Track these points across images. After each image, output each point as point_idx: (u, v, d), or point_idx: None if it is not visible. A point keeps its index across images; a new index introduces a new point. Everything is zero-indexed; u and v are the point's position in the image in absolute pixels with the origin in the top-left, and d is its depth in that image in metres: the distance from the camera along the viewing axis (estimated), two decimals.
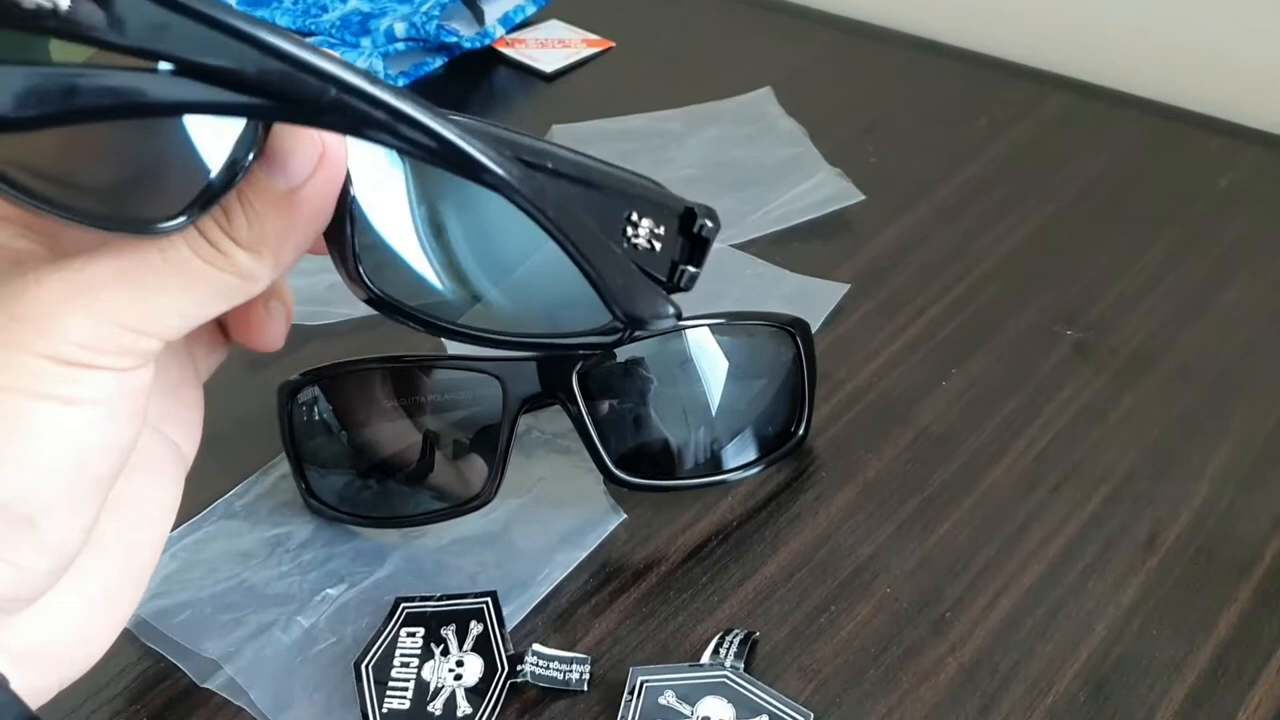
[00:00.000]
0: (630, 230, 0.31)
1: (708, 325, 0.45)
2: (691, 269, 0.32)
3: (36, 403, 0.27)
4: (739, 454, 0.46)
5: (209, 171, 0.26)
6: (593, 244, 0.30)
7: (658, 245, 0.32)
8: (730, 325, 0.46)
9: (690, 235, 0.32)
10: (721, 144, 0.65)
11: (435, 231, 0.32)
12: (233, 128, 0.26)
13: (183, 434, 0.35)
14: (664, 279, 0.32)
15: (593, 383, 0.43)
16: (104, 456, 0.28)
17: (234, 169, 0.26)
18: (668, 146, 0.65)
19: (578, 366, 0.43)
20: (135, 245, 0.27)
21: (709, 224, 0.32)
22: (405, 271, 0.32)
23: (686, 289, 0.33)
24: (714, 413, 0.45)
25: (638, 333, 0.33)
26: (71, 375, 0.27)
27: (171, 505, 0.33)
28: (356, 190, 0.29)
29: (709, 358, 0.45)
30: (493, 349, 0.34)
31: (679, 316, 0.33)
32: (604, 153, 0.64)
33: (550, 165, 0.30)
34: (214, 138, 0.26)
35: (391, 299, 0.31)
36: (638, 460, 0.44)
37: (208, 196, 0.27)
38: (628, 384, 0.45)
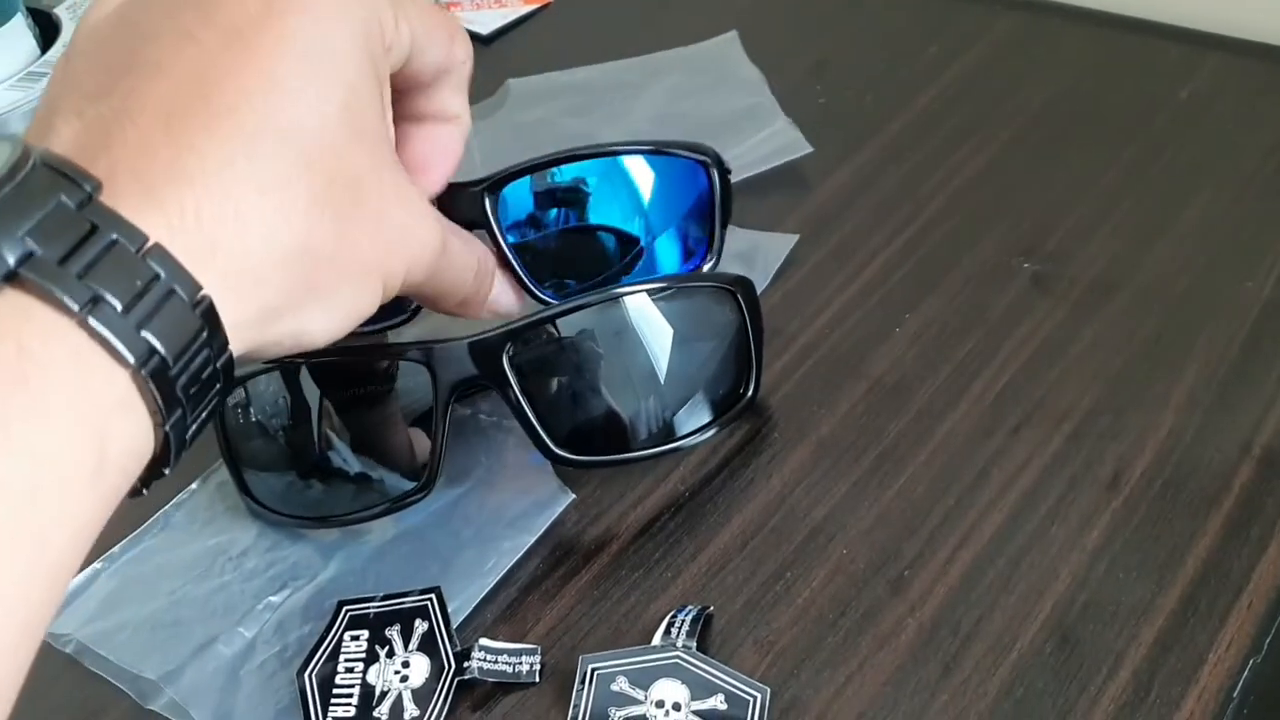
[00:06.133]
0: None
1: (645, 291, 0.43)
2: None
3: None
4: (688, 420, 0.44)
5: None
6: None
7: None
8: (669, 289, 0.44)
9: None
10: (678, 95, 0.63)
11: None
12: None
13: None
14: None
15: (526, 362, 0.42)
16: None
17: None
18: (624, 99, 0.63)
19: (507, 348, 0.41)
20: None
21: None
22: None
23: None
24: (659, 380, 0.44)
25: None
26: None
27: None
28: None
29: (649, 324, 0.43)
30: None
31: None
32: (559, 108, 0.63)
33: None
34: None
35: None
36: (583, 436, 0.43)
37: None
38: (565, 359, 0.43)
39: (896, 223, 0.53)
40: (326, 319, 0.32)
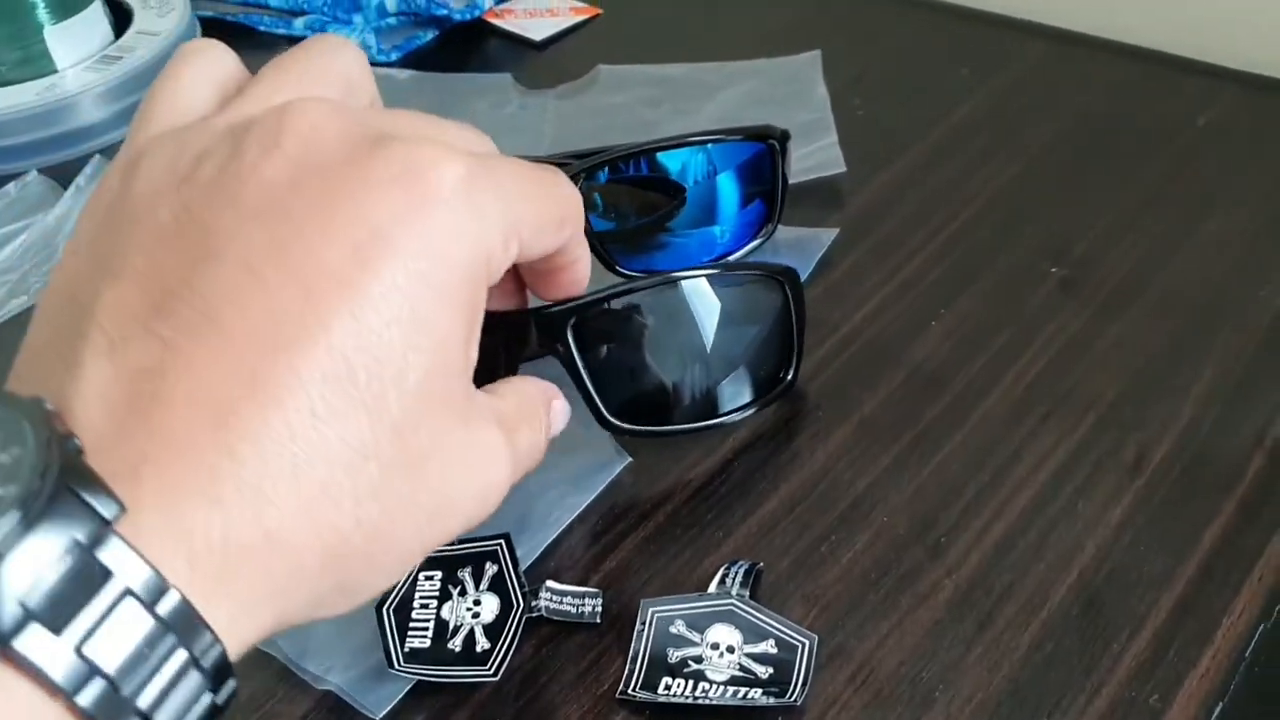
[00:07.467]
0: None
1: (700, 276, 0.46)
2: None
3: None
4: (732, 398, 0.47)
5: None
6: None
7: None
8: (722, 276, 0.47)
9: None
10: (749, 101, 0.66)
11: None
12: None
13: None
14: None
15: (588, 334, 0.45)
16: None
17: None
18: (697, 98, 0.66)
19: (571, 320, 0.44)
20: None
21: None
22: None
23: None
24: (708, 359, 0.47)
25: None
26: None
27: None
28: None
29: (702, 307, 0.46)
30: None
31: None
32: (638, 97, 0.66)
33: None
34: None
35: None
36: (635, 407, 0.46)
37: None
38: (622, 334, 0.46)
39: (932, 226, 0.56)
40: (338, 609, 0.28)
